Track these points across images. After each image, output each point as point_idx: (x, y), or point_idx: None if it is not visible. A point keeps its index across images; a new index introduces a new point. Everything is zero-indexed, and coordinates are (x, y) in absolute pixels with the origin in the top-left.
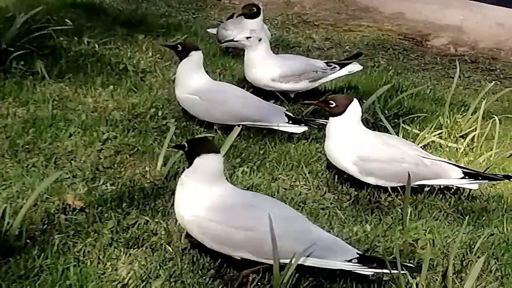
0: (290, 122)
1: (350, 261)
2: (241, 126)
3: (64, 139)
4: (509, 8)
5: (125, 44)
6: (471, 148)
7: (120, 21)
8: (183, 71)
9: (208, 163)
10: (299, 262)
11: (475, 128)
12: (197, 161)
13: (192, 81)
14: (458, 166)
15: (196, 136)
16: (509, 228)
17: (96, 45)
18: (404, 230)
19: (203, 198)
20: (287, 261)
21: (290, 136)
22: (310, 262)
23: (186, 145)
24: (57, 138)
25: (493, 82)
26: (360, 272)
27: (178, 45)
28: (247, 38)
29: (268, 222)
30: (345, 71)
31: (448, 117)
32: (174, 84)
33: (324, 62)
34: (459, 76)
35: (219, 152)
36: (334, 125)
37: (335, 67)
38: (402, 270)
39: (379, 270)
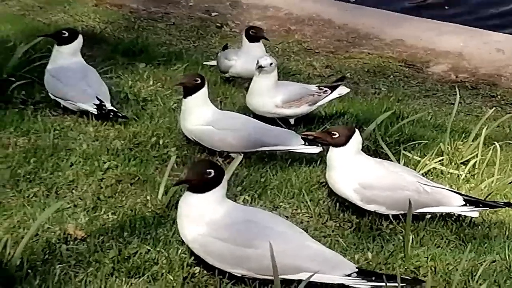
0: (307, 144)
1: (349, 275)
2: (242, 154)
3: (65, 169)
4: (509, 34)
5: (126, 73)
6: (473, 174)
7: (120, 50)
8: (194, 103)
9: (225, 183)
10: (299, 278)
11: (476, 155)
12: (224, 181)
13: (202, 112)
14: (459, 193)
15: (197, 160)
16: (511, 255)
17: None
18: (405, 258)
19: (208, 216)
20: (287, 277)
21: (291, 163)
22: (308, 277)
23: (212, 172)
24: (58, 167)
25: (494, 108)
26: (359, 286)
27: (198, 78)
28: (270, 64)
29: (267, 239)
30: (335, 94)
31: (449, 144)
32: (181, 117)
33: (316, 86)
34: (460, 103)
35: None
36: (335, 155)
37: (326, 90)
38: (402, 283)
39: (378, 284)
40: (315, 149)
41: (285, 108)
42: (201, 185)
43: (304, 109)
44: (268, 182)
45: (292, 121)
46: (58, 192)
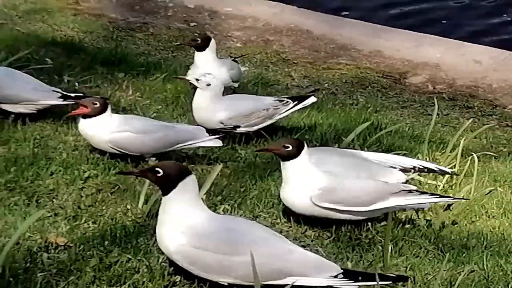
0: (210, 134)
1: (336, 276)
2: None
3: (46, 178)
4: (486, 45)
5: (105, 83)
6: (450, 185)
7: (99, 59)
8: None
9: (193, 185)
10: (288, 283)
11: (454, 166)
12: (183, 183)
13: (108, 122)
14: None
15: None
16: (489, 265)
17: (77, 84)
18: (385, 267)
19: (187, 225)
20: (275, 282)
21: (270, 173)
22: (298, 281)
23: (160, 170)
24: (38, 176)
25: (471, 119)
26: (347, 287)
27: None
28: (197, 80)
29: (252, 245)
30: (300, 105)
31: (427, 155)
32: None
33: (276, 98)
34: (437, 114)
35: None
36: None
37: (287, 102)
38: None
39: (366, 283)
40: (217, 143)
41: (233, 124)
42: (160, 185)
43: (256, 123)
44: (248, 192)
45: (251, 132)
46: (38, 201)
